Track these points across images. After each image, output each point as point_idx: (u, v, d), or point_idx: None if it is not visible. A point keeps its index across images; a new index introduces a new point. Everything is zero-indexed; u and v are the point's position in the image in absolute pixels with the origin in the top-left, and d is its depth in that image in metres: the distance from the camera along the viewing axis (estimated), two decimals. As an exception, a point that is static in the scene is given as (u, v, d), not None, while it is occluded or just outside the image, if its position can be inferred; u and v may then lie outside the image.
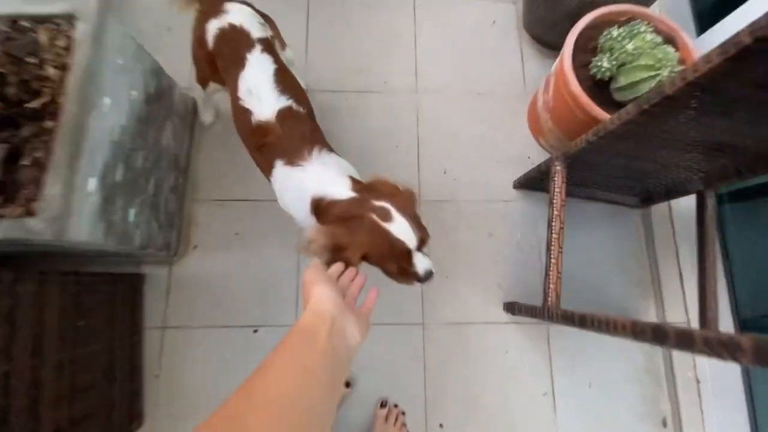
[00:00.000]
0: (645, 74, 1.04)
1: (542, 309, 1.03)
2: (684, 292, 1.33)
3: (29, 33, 0.87)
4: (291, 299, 1.27)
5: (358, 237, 0.68)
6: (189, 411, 1.18)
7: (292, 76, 0.98)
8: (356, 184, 0.80)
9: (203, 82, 1.14)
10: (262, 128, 0.87)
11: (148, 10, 1.50)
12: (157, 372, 1.21)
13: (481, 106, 1.49)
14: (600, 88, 1.15)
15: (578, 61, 1.16)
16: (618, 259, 1.40)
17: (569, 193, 1.34)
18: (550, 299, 1.01)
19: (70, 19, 0.87)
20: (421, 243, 0.73)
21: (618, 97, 1.11)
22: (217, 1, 0.99)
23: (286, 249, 1.30)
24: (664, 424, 1.29)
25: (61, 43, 0.87)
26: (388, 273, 0.75)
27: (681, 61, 1.08)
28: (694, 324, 1.29)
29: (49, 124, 0.84)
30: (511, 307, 1.27)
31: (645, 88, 1.05)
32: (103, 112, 0.91)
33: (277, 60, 0.94)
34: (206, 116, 1.38)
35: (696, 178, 1.12)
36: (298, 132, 0.86)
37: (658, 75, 1.04)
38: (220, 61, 0.96)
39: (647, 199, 1.36)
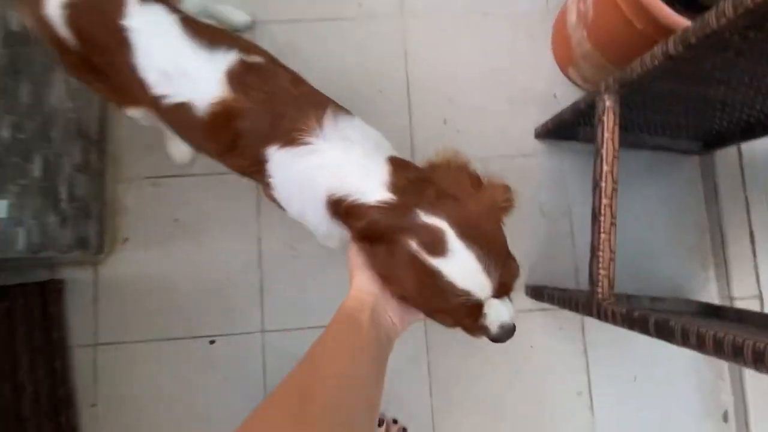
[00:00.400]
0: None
1: (588, 302, 0.75)
2: (756, 258, 1.04)
3: None
4: (253, 299, 1.00)
5: (389, 273, 0.45)
6: (139, 445, 0.95)
7: (206, 23, 0.62)
8: (399, 173, 0.49)
9: (125, 108, 0.74)
10: (219, 114, 0.53)
11: None
12: (93, 401, 0.96)
13: (489, 31, 1.12)
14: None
15: (635, -59, 0.79)
16: (669, 218, 1.10)
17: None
18: (600, 289, 0.73)
19: None
20: (503, 290, 0.45)
21: (696, -8, 0.76)
22: None
23: (242, 237, 1.01)
24: (725, 418, 1.05)
25: None
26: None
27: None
28: (770, 299, 1.02)
29: None
30: (539, 293, 0.99)
31: (743, -30, 0.69)
32: None
33: (172, 8, 0.59)
34: (176, 152, 0.99)
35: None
36: (279, 92, 0.54)
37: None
38: (96, 56, 0.60)
39: (714, 141, 1.04)
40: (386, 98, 1.08)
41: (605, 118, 0.75)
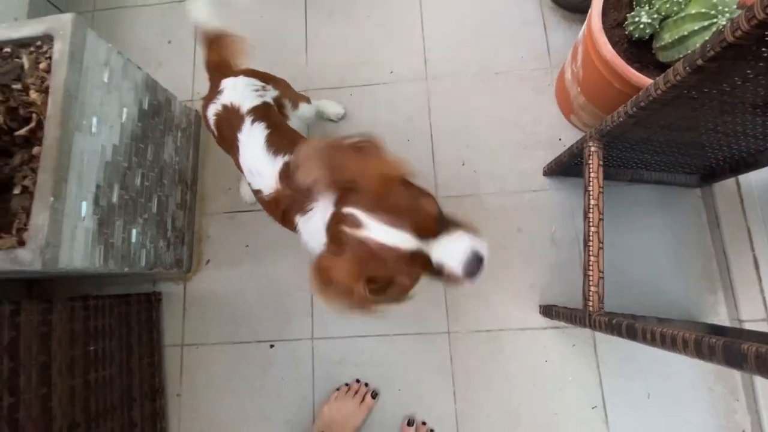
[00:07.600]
0: (695, 25, 0.85)
1: (582, 315, 0.89)
2: (761, 283, 1.11)
3: (13, 59, 0.86)
4: (305, 312, 1.21)
5: (345, 266, 0.54)
6: (211, 430, 1.15)
7: (292, 130, 0.90)
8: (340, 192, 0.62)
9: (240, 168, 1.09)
10: (274, 199, 0.79)
11: (149, 23, 1.48)
12: (179, 391, 1.19)
13: (500, 87, 1.33)
14: (640, 50, 0.97)
15: (611, 20, 0.98)
16: (676, 248, 1.20)
17: (610, 176, 1.17)
18: (590, 304, 0.86)
19: (49, 40, 0.84)
20: (424, 228, 0.53)
21: (663, 57, 0.93)
22: (215, 82, 0.91)
23: (296, 260, 1.24)
24: (746, 439, 1.09)
25: (43, 65, 0.84)
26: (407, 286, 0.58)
27: (741, 6, 0.88)
28: (778, 321, 1.08)
29: (37, 149, 0.81)
30: (549, 311, 1.13)
31: (697, 41, 0.86)
32: (91, 133, 0.88)
33: (271, 123, 0.84)
34: (245, 193, 1.26)
35: (771, 146, 0.91)
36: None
37: (713, 24, 0.85)
38: (226, 147, 0.91)
39: (709, 176, 1.15)
40: (413, 146, 1.31)
41: (590, 162, 0.92)
